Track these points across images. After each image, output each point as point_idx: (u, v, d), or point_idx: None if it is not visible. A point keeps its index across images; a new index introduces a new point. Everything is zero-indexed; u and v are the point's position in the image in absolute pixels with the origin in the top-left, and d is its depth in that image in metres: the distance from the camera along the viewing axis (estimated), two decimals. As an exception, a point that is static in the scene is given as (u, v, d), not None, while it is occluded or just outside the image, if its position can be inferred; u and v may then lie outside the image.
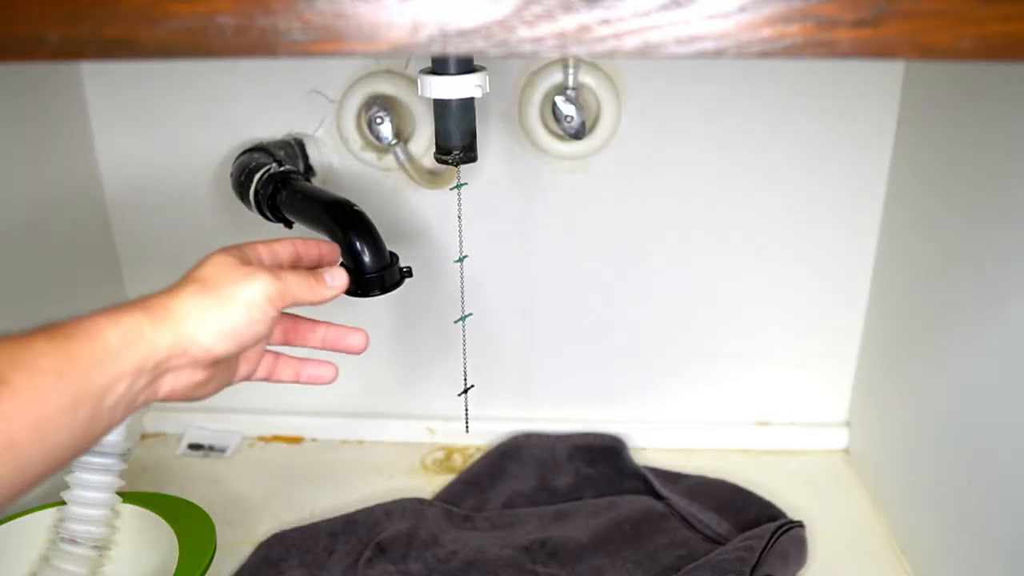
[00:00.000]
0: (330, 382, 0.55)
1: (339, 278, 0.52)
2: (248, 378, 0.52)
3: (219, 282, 0.44)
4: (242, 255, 0.47)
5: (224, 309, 0.44)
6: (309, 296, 0.49)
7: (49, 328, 0.39)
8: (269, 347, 0.53)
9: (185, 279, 0.45)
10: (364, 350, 0.56)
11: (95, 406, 0.39)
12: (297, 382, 0.54)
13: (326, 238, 0.70)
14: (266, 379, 0.53)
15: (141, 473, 0.90)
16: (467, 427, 0.71)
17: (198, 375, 0.45)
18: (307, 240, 0.54)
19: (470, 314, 0.69)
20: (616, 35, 0.35)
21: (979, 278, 0.66)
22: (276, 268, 0.48)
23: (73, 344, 0.39)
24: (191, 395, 0.46)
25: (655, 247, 0.87)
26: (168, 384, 0.44)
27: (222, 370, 0.48)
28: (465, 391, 0.70)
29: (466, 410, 0.71)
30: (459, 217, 0.67)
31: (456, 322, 0.69)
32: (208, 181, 0.86)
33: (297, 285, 0.47)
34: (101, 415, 0.39)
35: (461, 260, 0.68)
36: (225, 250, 0.47)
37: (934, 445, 0.73)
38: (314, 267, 0.54)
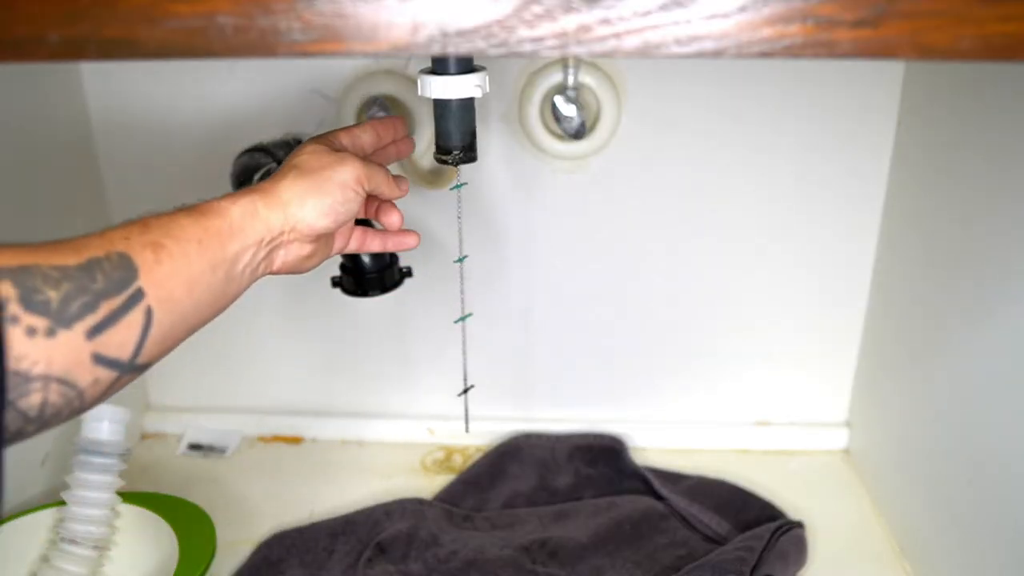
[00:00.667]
0: (414, 247, 0.63)
1: (405, 186, 0.59)
2: (343, 251, 0.59)
3: (315, 167, 0.52)
4: (329, 142, 0.55)
5: (322, 190, 0.51)
6: (386, 189, 0.56)
7: (187, 207, 0.47)
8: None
9: (286, 166, 0.52)
10: (416, 245, 0.63)
11: (228, 269, 0.47)
12: (385, 250, 0.62)
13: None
14: (358, 250, 0.61)
15: (141, 473, 0.90)
16: (467, 427, 0.71)
17: (305, 248, 0.52)
18: (384, 120, 0.61)
19: (470, 314, 0.69)
20: (616, 35, 0.35)
21: (979, 278, 0.66)
22: (361, 155, 0.56)
23: (207, 219, 0.46)
24: (299, 267, 0.54)
25: (655, 247, 0.87)
26: (281, 257, 0.51)
27: (323, 244, 0.55)
28: (465, 391, 0.70)
29: (466, 410, 0.71)
30: (459, 217, 0.67)
31: (456, 322, 0.69)
32: (208, 181, 0.86)
33: (379, 175, 0.55)
34: (233, 278, 0.48)
35: (461, 260, 0.68)
36: (316, 139, 0.55)
37: (934, 445, 0.73)
38: (390, 143, 0.62)
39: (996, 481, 0.63)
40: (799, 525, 0.77)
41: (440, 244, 0.87)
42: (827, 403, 0.94)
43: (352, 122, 0.82)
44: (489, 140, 0.83)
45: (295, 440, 0.96)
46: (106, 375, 0.40)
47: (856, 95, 0.80)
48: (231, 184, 0.82)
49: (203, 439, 0.95)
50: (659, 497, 0.83)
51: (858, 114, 0.81)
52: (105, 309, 0.39)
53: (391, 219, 0.61)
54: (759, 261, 0.87)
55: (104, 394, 0.41)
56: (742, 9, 0.34)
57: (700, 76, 0.80)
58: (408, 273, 0.73)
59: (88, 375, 0.39)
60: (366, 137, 0.59)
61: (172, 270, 0.43)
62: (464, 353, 0.70)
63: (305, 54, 0.36)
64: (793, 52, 0.35)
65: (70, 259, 0.39)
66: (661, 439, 0.93)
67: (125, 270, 0.41)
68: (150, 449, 0.94)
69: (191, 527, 0.72)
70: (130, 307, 0.41)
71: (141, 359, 0.42)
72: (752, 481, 0.85)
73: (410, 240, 0.62)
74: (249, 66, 0.82)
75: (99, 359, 0.39)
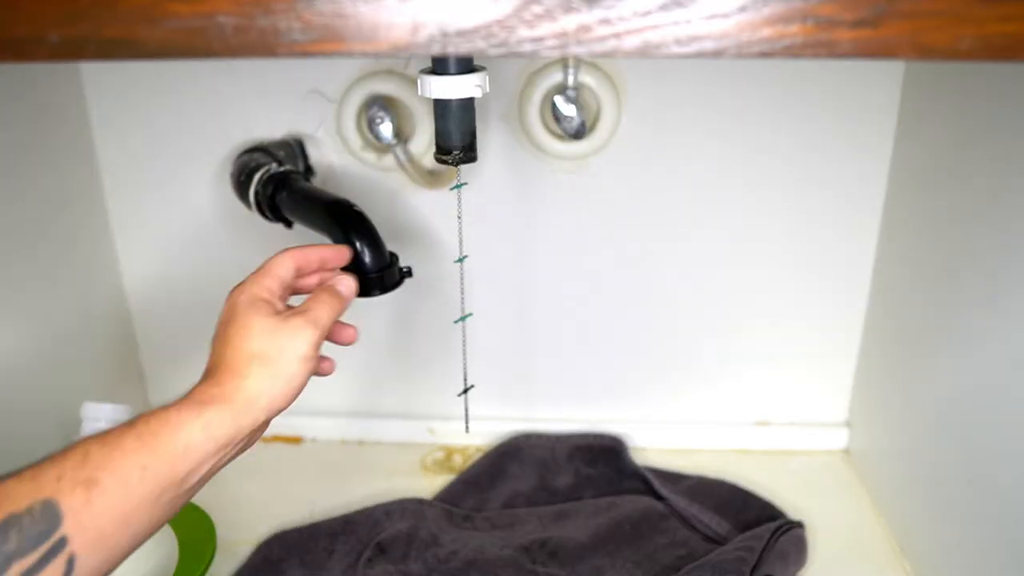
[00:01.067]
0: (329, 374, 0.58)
1: (348, 286, 0.56)
2: None
3: (275, 353, 0.49)
4: (269, 307, 0.51)
5: (288, 376, 0.49)
6: (338, 316, 0.54)
7: (139, 422, 0.44)
8: None
9: (242, 358, 0.48)
10: (354, 342, 0.60)
11: (177, 491, 0.44)
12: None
13: (326, 238, 0.71)
14: None
15: (141, 473, 0.90)
16: (467, 427, 0.71)
17: (263, 430, 0.51)
18: (304, 250, 0.56)
19: (470, 314, 0.69)
20: (616, 35, 0.35)
21: (979, 278, 0.66)
22: (307, 312, 0.51)
23: (157, 439, 0.43)
24: (251, 444, 0.51)
25: (655, 247, 0.87)
26: (243, 449, 0.50)
27: None
28: (465, 391, 0.70)
29: (466, 410, 0.71)
30: (459, 217, 0.67)
31: (456, 322, 0.69)
32: (208, 181, 0.86)
33: (328, 315, 0.52)
34: (181, 495, 0.45)
35: (461, 260, 0.68)
36: (255, 308, 0.50)
37: (934, 445, 0.73)
38: (315, 273, 0.58)
39: (996, 481, 0.63)
40: (799, 525, 0.77)
41: (440, 244, 0.87)
42: (827, 403, 0.94)
43: (352, 122, 0.82)
44: (489, 140, 0.83)
45: (295, 440, 0.96)
46: None
47: (856, 95, 0.80)
48: (231, 184, 0.82)
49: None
50: (659, 497, 0.83)
51: (858, 114, 0.81)
52: (16, 570, 0.38)
53: (347, 338, 0.58)
54: (759, 261, 0.87)
55: None
56: (742, 9, 0.34)
57: (700, 76, 0.80)
58: (408, 273, 0.73)
59: None
60: (287, 275, 0.54)
61: (105, 508, 0.41)
62: (464, 353, 0.70)
63: (305, 54, 0.36)
64: (793, 52, 0.35)
65: None
66: (661, 439, 0.93)
67: (47, 523, 0.39)
68: (150, 449, 0.94)
69: (191, 527, 0.72)
70: (48, 560, 0.39)
71: None
72: (752, 481, 0.85)
73: (328, 367, 0.58)
74: (249, 66, 0.82)
75: None
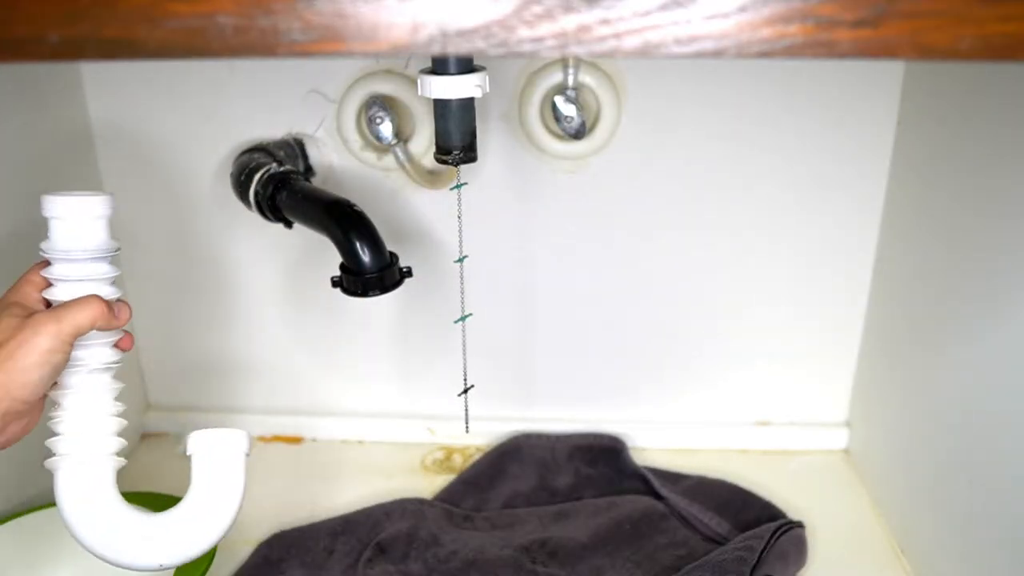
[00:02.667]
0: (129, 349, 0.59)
1: (124, 313, 0.55)
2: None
3: (12, 344, 0.49)
4: (21, 308, 0.52)
5: (25, 366, 0.49)
6: (102, 324, 0.52)
7: None
8: None
9: None
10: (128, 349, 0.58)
11: None
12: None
13: (326, 238, 0.71)
14: None
15: (141, 473, 0.90)
16: (467, 427, 0.71)
17: (23, 421, 0.51)
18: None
19: (470, 314, 0.69)
20: (616, 35, 0.35)
21: (979, 278, 0.66)
22: (56, 309, 0.51)
23: None
24: (23, 435, 0.52)
25: (655, 247, 0.87)
26: (4, 436, 0.50)
27: (38, 405, 0.52)
28: (465, 391, 0.71)
29: (466, 410, 0.71)
30: (459, 217, 0.67)
31: (456, 322, 0.69)
32: (208, 181, 0.86)
33: (82, 316, 0.51)
34: None
35: (461, 260, 0.68)
36: (7, 308, 0.52)
37: (934, 445, 0.73)
38: None
39: (996, 481, 0.63)
40: (799, 525, 0.77)
41: (440, 244, 0.87)
42: (827, 403, 0.94)
43: (352, 122, 0.82)
44: (489, 140, 0.83)
45: (295, 440, 0.96)
46: None
47: (856, 95, 0.80)
48: (231, 184, 0.82)
49: (203, 439, 0.95)
50: (659, 497, 0.83)
51: (858, 114, 0.81)
52: None
53: (125, 345, 0.57)
54: (759, 261, 0.87)
55: None
56: (742, 9, 0.34)
57: (700, 76, 0.80)
58: (408, 273, 0.73)
59: None
60: (43, 283, 0.55)
61: None
62: (464, 353, 0.70)
63: (305, 54, 0.36)
64: (793, 52, 0.35)
65: None
66: (661, 439, 0.93)
67: None
68: (150, 449, 0.94)
69: (191, 527, 0.72)
70: None
71: None
72: (752, 481, 0.85)
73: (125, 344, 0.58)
74: (249, 66, 0.82)
75: None
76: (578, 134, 0.81)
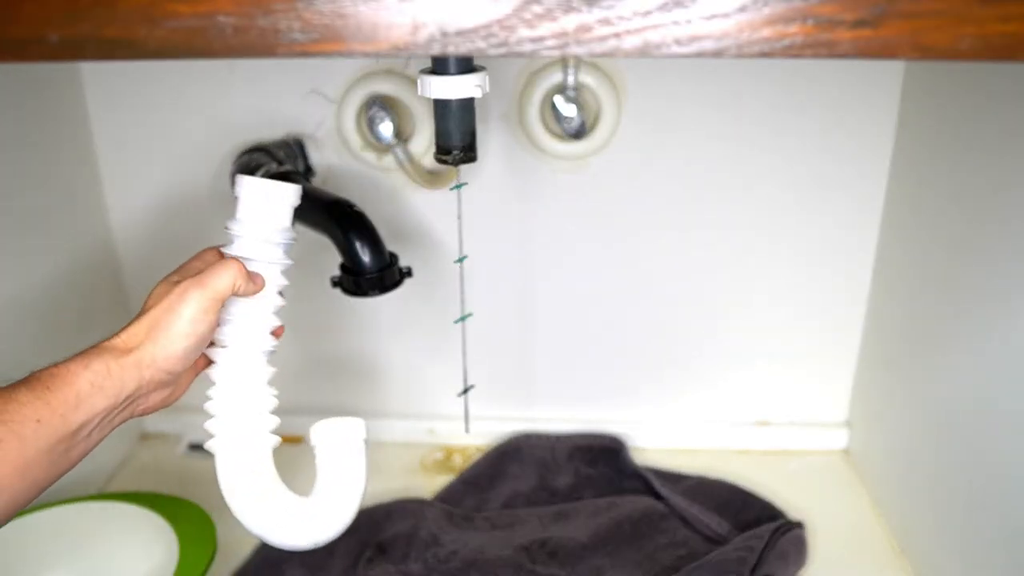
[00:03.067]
0: None
1: (260, 280, 0.56)
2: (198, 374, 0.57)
3: (160, 311, 0.50)
4: (178, 278, 0.53)
5: (172, 333, 0.49)
6: (242, 290, 0.53)
7: (31, 378, 0.45)
8: None
9: (137, 318, 0.50)
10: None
11: (71, 441, 0.45)
12: None
13: (326, 238, 0.71)
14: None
15: (141, 473, 0.90)
16: (467, 427, 0.71)
17: (165, 392, 0.52)
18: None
19: (470, 314, 0.69)
20: (616, 35, 0.35)
21: (979, 278, 0.66)
22: (198, 276, 0.52)
23: (50, 392, 0.45)
24: (161, 407, 0.53)
25: (655, 247, 0.87)
26: (141, 405, 0.51)
27: (183, 379, 0.54)
28: (465, 391, 0.71)
29: (466, 410, 0.71)
30: (459, 217, 0.67)
31: (456, 322, 0.69)
32: (208, 181, 0.86)
33: (222, 282, 0.52)
34: (76, 446, 0.46)
35: (461, 260, 0.68)
36: (162, 281, 0.53)
37: (934, 445, 0.73)
38: None
39: (996, 481, 0.63)
40: (799, 525, 0.77)
41: (440, 244, 0.87)
42: (827, 403, 0.94)
43: (352, 122, 0.82)
44: (489, 140, 0.83)
45: (295, 440, 0.96)
46: None
47: (856, 95, 0.80)
48: (231, 184, 0.82)
49: (203, 439, 0.95)
50: (659, 497, 0.83)
51: (858, 114, 0.81)
52: None
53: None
54: (759, 261, 0.87)
55: None
56: (742, 9, 0.34)
57: (700, 76, 0.80)
58: (408, 273, 0.73)
59: None
60: (212, 258, 0.57)
61: (2, 460, 0.42)
62: (464, 353, 0.70)
63: (305, 54, 0.36)
64: (793, 52, 0.35)
65: None
66: (661, 439, 0.93)
67: None
68: (150, 449, 0.94)
69: (191, 527, 0.72)
70: None
71: None
72: (752, 481, 0.85)
73: None
74: (249, 66, 0.82)
75: None
76: (578, 134, 0.81)
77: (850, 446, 0.93)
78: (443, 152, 0.62)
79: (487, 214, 0.85)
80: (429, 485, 0.87)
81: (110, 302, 0.90)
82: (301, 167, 0.83)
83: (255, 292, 0.55)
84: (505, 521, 0.82)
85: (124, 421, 0.50)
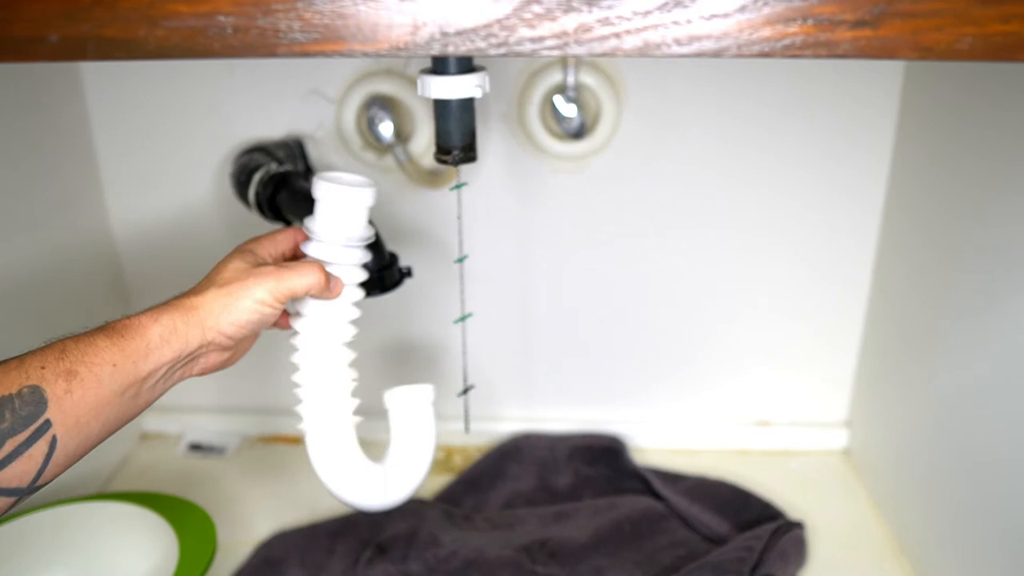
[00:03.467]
0: None
1: (336, 283, 0.59)
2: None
3: (233, 286, 0.53)
4: (253, 257, 0.56)
5: (238, 307, 0.53)
6: (316, 292, 0.57)
7: (107, 327, 0.49)
8: None
9: (208, 280, 0.54)
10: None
11: (139, 388, 0.49)
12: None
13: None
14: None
15: (141, 473, 0.90)
16: (467, 427, 0.71)
17: (224, 355, 0.55)
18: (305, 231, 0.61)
19: (470, 314, 0.69)
20: (616, 35, 0.35)
21: (979, 278, 0.66)
22: (281, 268, 0.55)
23: (125, 340, 0.49)
24: (218, 368, 0.56)
25: (655, 247, 0.87)
26: (200, 365, 0.54)
27: (243, 345, 0.58)
28: (465, 391, 0.70)
29: (466, 410, 0.71)
30: (458, 217, 0.67)
31: (456, 322, 0.69)
32: (208, 181, 0.86)
33: (299, 281, 0.55)
34: (143, 394, 0.50)
35: (461, 260, 0.68)
36: (239, 253, 0.56)
37: (934, 445, 0.73)
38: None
39: (996, 481, 0.63)
40: (799, 525, 0.77)
41: (440, 244, 0.87)
42: (827, 403, 0.94)
43: (352, 122, 0.82)
44: (489, 140, 0.83)
45: (295, 440, 0.96)
46: (3, 503, 0.43)
47: (856, 95, 0.80)
48: (231, 184, 0.82)
49: (203, 439, 0.95)
50: (659, 497, 0.83)
51: (858, 114, 0.81)
52: (9, 446, 0.42)
53: (282, 324, 0.62)
54: (759, 261, 0.87)
55: (3, 514, 0.44)
56: (742, 9, 0.34)
57: (700, 76, 0.80)
58: (408, 273, 0.73)
59: None
60: (285, 244, 0.60)
61: (82, 397, 0.46)
62: (464, 353, 0.70)
63: (305, 54, 0.36)
64: (793, 52, 0.35)
65: None
66: (661, 439, 0.93)
67: (35, 404, 0.44)
68: (150, 449, 0.94)
69: (191, 527, 0.72)
70: (35, 439, 0.43)
71: (40, 482, 0.45)
72: (752, 481, 0.85)
73: None
74: (249, 66, 0.82)
75: None
76: (578, 134, 0.81)
77: (850, 446, 0.93)
78: (443, 152, 0.62)
79: (487, 214, 0.85)
80: (429, 485, 0.87)
81: (110, 301, 0.90)
82: (301, 167, 0.83)
83: (331, 298, 0.59)
84: (505, 521, 0.82)
85: (183, 378, 0.54)
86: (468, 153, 0.62)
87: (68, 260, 0.83)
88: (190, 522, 0.72)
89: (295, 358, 0.62)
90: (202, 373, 0.55)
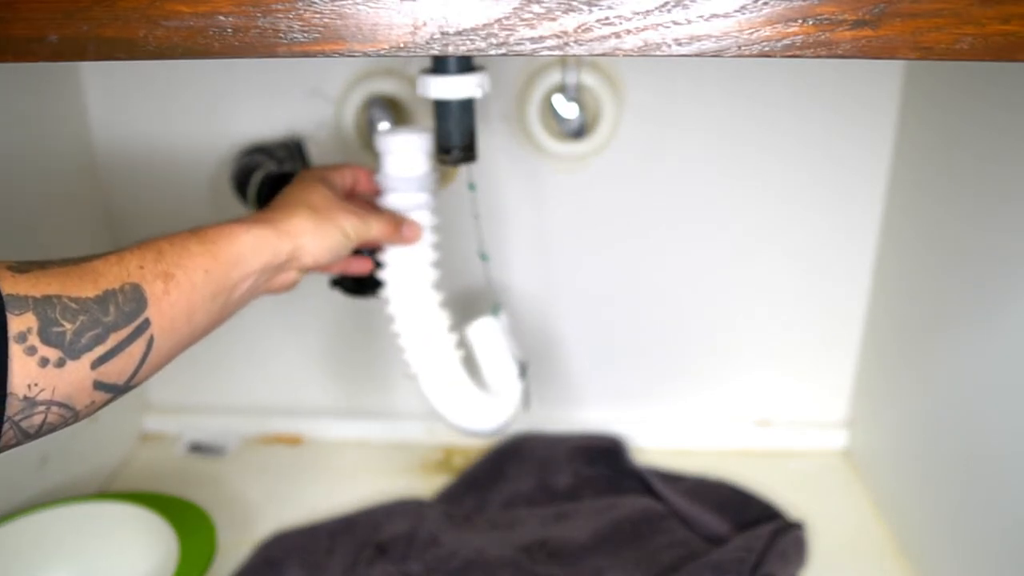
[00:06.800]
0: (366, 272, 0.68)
1: (412, 230, 0.64)
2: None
3: (325, 212, 0.57)
4: (332, 184, 0.61)
5: (328, 233, 0.57)
6: (389, 241, 0.63)
7: (200, 232, 0.51)
8: None
9: (297, 203, 0.57)
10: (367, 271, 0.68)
11: (228, 295, 0.51)
12: (344, 271, 0.68)
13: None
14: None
15: (141, 473, 0.90)
16: (527, 405, 0.73)
17: (298, 276, 0.58)
18: (367, 171, 0.66)
19: (499, 306, 0.72)
20: (616, 35, 0.35)
21: (979, 278, 0.66)
22: (365, 209, 0.60)
23: (217, 247, 0.50)
24: (283, 290, 0.59)
25: (655, 247, 0.87)
26: (278, 281, 0.57)
27: (313, 269, 0.60)
28: (523, 371, 0.72)
29: (527, 388, 0.73)
30: (475, 216, 0.70)
31: (493, 315, 0.71)
32: (208, 181, 0.86)
33: (379, 229, 0.61)
34: (230, 303, 0.51)
35: (485, 259, 0.71)
36: (321, 181, 0.60)
37: (934, 445, 0.73)
38: (366, 194, 0.67)
39: (996, 481, 0.63)
40: (799, 526, 0.77)
41: (439, 244, 0.87)
42: (827, 403, 0.94)
43: (352, 122, 0.82)
44: (489, 140, 0.83)
45: (295, 440, 0.96)
46: (102, 397, 0.43)
47: (856, 95, 0.80)
48: (231, 184, 0.82)
49: (203, 439, 0.95)
50: (659, 497, 0.83)
51: (858, 114, 0.81)
52: (113, 340, 0.43)
53: (360, 267, 0.67)
54: (759, 261, 0.87)
55: (96, 411, 0.44)
56: (742, 9, 0.34)
57: (700, 76, 0.80)
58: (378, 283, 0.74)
59: (87, 399, 0.42)
60: (349, 179, 0.64)
61: (177, 299, 0.46)
62: (514, 334, 0.73)
63: (305, 54, 0.36)
64: (793, 52, 0.35)
65: (88, 290, 0.42)
66: (661, 439, 0.93)
67: (136, 302, 0.44)
68: (150, 449, 0.94)
69: (191, 527, 0.72)
70: (135, 337, 0.44)
71: (135, 381, 0.45)
72: (752, 481, 0.85)
73: (366, 265, 0.67)
74: (249, 66, 0.82)
75: (99, 385, 0.42)
76: (578, 134, 0.81)
77: (850, 446, 0.93)
78: (443, 152, 0.62)
79: (487, 214, 0.85)
80: (429, 485, 0.87)
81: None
82: (301, 167, 0.83)
83: (403, 243, 0.64)
84: (505, 521, 0.82)
85: (264, 292, 0.56)
86: (468, 153, 0.63)
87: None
88: (190, 522, 0.72)
89: (390, 308, 0.66)
90: (275, 291, 0.57)
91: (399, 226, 0.63)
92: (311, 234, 0.56)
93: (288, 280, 0.58)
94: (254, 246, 0.52)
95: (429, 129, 0.64)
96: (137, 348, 0.44)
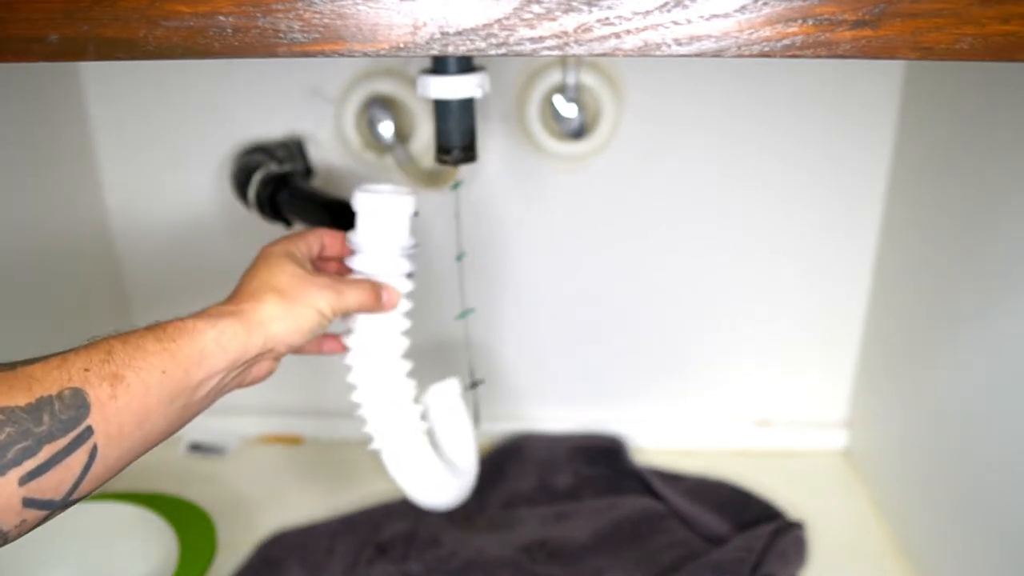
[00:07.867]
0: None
1: (390, 295, 0.59)
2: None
3: (295, 294, 0.53)
4: (301, 264, 0.56)
5: (301, 316, 0.52)
6: (368, 311, 0.58)
7: (157, 328, 0.46)
8: None
9: (263, 287, 0.52)
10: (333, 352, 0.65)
11: (189, 397, 0.46)
12: (318, 352, 0.64)
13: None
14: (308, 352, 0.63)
15: (141, 473, 0.90)
16: (477, 421, 0.72)
17: (274, 364, 0.55)
18: (333, 233, 0.61)
19: (472, 310, 0.70)
20: (616, 35, 0.35)
21: (979, 278, 0.66)
22: (338, 281, 0.56)
23: (176, 345, 0.46)
24: (264, 379, 0.55)
25: (655, 247, 0.87)
26: (252, 374, 0.53)
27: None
28: (474, 385, 0.71)
29: (475, 405, 0.71)
30: (456, 216, 0.68)
31: (457, 318, 0.69)
32: (208, 181, 0.86)
33: (355, 299, 0.56)
34: (192, 404, 0.47)
35: (460, 258, 0.68)
36: (287, 257, 0.55)
37: (934, 445, 0.73)
38: (333, 260, 0.62)
39: (996, 481, 0.63)
40: (799, 525, 0.77)
41: (440, 244, 0.87)
42: (827, 403, 0.94)
43: (352, 122, 0.82)
44: (489, 140, 0.83)
45: (295, 440, 0.96)
46: (35, 516, 0.39)
47: (856, 95, 0.80)
48: (231, 184, 0.82)
49: (203, 439, 0.95)
50: (659, 497, 0.83)
51: (858, 114, 0.81)
52: (46, 453, 0.38)
53: (329, 347, 0.63)
54: (759, 261, 0.87)
55: (30, 530, 0.40)
56: (742, 9, 0.34)
57: (700, 76, 0.80)
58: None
59: (15, 518, 0.38)
60: (316, 247, 0.59)
61: (127, 404, 0.42)
62: (468, 347, 0.70)
63: (305, 54, 0.36)
64: (793, 52, 0.35)
65: (19, 398, 0.38)
66: (661, 439, 0.93)
67: (76, 408, 0.40)
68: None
69: (191, 527, 0.72)
70: (74, 448, 0.40)
71: (77, 495, 0.41)
72: (752, 481, 0.85)
73: (338, 346, 0.64)
74: (249, 66, 0.82)
75: (30, 503, 0.38)
76: (578, 134, 0.81)
77: (850, 446, 0.93)
78: (443, 152, 0.62)
79: (487, 214, 0.85)
80: (429, 485, 0.87)
81: (110, 302, 0.90)
82: (301, 167, 0.83)
83: (382, 311, 0.59)
84: (505, 521, 0.82)
85: (233, 388, 0.52)
86: (468, 153, 0.62)
87: (67, 260, 0.83)
88: (190, 522, 0.73)
89: (352, 377, 0.61)
90: (251, 383, 0.54)
91: (378, 294, 0.58)
92: (282, 320, 0.51)
93: (263, 371, 0.54)
94: (220, 342, 0.47)
95: (413, 191, 0.60)
96: (76, 459, 0.40)
